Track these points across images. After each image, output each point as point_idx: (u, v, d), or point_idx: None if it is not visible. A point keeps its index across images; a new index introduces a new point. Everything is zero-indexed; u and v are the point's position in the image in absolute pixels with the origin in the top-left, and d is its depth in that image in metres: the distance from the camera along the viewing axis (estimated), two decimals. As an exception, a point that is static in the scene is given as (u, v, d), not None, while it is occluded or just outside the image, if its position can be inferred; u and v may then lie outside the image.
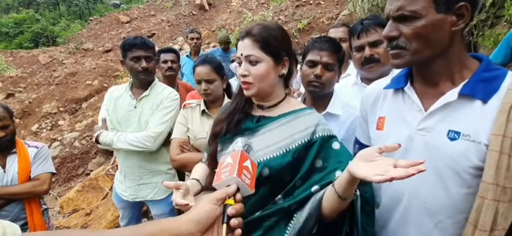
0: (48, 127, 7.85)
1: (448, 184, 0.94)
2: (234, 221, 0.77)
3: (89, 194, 4.30)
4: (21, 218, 2.05)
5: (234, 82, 2.63)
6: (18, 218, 2.03)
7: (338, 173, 1.03)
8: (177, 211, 1.91)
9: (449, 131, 0.94)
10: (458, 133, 0.93)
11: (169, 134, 2.07)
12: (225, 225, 0.76)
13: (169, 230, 0.72)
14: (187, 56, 4.39)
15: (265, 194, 1.09)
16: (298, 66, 1.76)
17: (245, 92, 1.16)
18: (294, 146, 1.09)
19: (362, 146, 1.24)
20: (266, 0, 12.97)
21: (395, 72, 1.19)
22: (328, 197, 0.99)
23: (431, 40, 0.92)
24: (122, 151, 2.13)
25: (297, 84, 2.42)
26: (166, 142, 2.12)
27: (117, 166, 2.88)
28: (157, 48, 2.59)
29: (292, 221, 1.05)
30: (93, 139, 2.16)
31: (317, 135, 1.10)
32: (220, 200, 0.79)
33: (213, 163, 1.24)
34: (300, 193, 1.06)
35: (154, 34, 12.75)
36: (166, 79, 2.87)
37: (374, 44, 1.56)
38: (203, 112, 1.95)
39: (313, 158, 1.08)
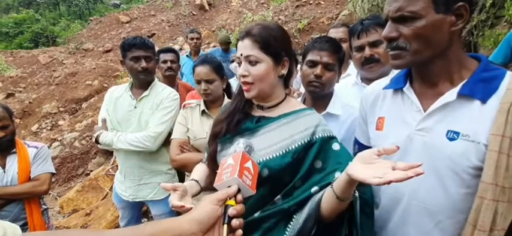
0: (48, 127, 7.85)
1: (447, 184, 0.95)
2: (235, 222, 0.77)
3: (89, 194, 4.30)
4: (21, 218, 2.05)
5: (234, 82, 2.63)
6: (18, 218, 2.03)
7: (337, 174, 1.03)
8: (177, 211, 1.91)
9: (449, 131, 0.94)
10: (457, 133, 0.93)
11: (169, 134, 2.07)
12: (226, 226, 0.76)
13: (170, 231, 0.72)
14: (187, 56, 4.39)
15: (265, 194, 1.09)
16: (298, 66, 1.76)
17: (246, 94, 1.16)
18: (293, 147, 1.09)
19: (361, 146, 1.25)
20: (266, 0, 12.97)
21: (395, 72, 1.19)
22: (327, 198, 0.98)
23: (431, 40, 0.92)
24: (122, 151, 2.13)
25: (297, 84, 2.42)
26: (166, 142, 2.12)
27: (117, 166, 2.89)
28: (157, 48, 2.59)
29: (291, 223, 1.05)
30: (93, 140, 2.17)
31: (317, 136, 1.10)
32: (221, 201, 0.80)
33: (212, 163, 1.24)
34: (299, 194, 1.06)
35: (154, 34, 12.75)
36: (166, 79, 2.87)
37: (374, 44, 1.57)
38: (203, 112, 1.95)
39: (313, 159, 1.08)
